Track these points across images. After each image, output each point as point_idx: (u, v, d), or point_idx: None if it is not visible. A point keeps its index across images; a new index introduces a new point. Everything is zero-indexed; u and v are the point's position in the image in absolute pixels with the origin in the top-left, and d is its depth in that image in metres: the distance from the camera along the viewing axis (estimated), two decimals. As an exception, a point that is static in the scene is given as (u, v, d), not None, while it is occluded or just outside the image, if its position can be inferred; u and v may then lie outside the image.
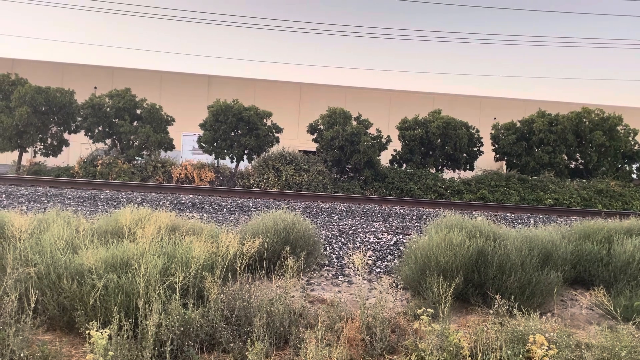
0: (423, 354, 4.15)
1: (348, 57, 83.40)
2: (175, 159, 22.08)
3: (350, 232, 8.74)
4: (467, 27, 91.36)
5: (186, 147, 27.82)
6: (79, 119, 21.99)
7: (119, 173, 19.87)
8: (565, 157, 22.59)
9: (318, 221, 9.84)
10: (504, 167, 23.75)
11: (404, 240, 8.15)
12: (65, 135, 22.50)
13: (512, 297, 5.12)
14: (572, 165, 23.34)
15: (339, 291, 6.20)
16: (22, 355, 3.80)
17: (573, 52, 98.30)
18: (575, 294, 6.35)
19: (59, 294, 4.63)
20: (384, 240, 8.26)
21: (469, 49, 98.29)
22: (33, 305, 4.10)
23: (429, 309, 4.48)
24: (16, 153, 22.04)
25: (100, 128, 21.82)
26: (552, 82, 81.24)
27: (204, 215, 10.04)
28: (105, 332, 3.69)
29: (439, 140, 21.76)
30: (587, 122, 22.32)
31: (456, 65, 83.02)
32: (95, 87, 31.68)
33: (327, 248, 7.67)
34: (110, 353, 3.73)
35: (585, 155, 22.35)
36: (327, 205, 12.78)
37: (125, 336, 4.07)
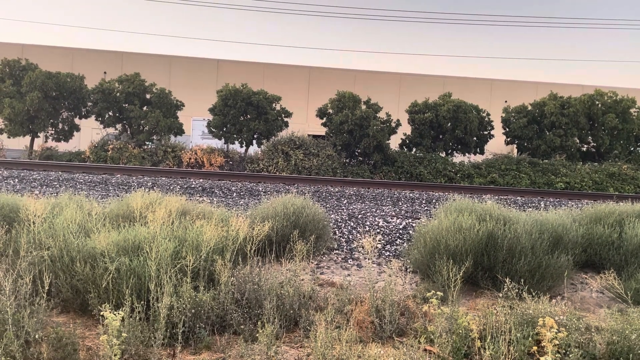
0: (432, 337, 4.17)
1: (357, 40, 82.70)
2: (185, 144, 22.16)
3: (359, 216, 8.75)
4: (478, 9, 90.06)
5: (196, 131, 27.90)
6: (90, 104, 22.10)
7: (129, 158, 19.99)
8: (577, 141, 22.35)
9: (327, 205, 9.86)
10: (515, 150, 23.58)
11: (414, 224, 8.15)
12: (76, 121, 22.62)
13: (522, 280, 5.11)
14: (584, 149, 23.10)
15: (349, 274, 6.23)
16: (36, 336, 3.87)
17: (586, 33, 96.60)
18: (586, 278, 6.33)
19: (72, 277, 4.70)
20: (394, 224, 8.26)
21: (480, 31, 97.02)
22: (47, 288, 4.16)
23: (438, 292, 4.49)
24: (28, 138, 22.22)
25: (110, 113, 21.90)
26: (564, 65, 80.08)
27: (214, 199, 10.09)
28: (119, 314, 3.75)
29: (449, 124, 21.60)
30: (599, 105, 22.03)
31: (467, 47, 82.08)
32: (104, 72, 31.74)
33: (337, 232, 7.69)
34: (124, 334, 3.79)
35: (598, 139, 22.10)
36: (336, 189, 12.79)
37: (137, 318, 4.13)
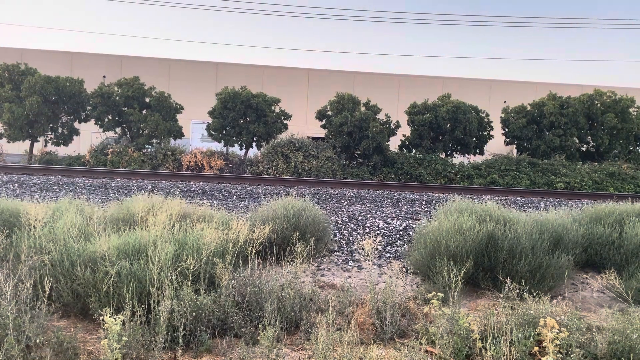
0: (433, 338, 4.17)
1: (356, 42, 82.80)
2: (184, 147, 22.17)
3: (359, 217, 8.75)
4: (476, 9, 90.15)
5: (195, 134, 27.92)
6: (89, 108, 22.10)
7: (129, 161, 19.99)
8: (577, 140, 22.36)
9: (327, 207, 9.86)
10: (514, 151, 23.58)
11: (414, 226, 8.15)
12: (76, 125, 22.63)
13: (523, 280, 5.12)
14: (584, 149, 23.12)
15: (349, 276, 6.23)
16: (37, 341, 3.87)
17: (584, 33, 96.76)
18: (586, 277, 6.33)
19: (73, 281, 4.69)
20: (394, 225, 8.27)
21: (479, 32, 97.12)
22: (48, 293, 4.15)
23: (439, 293, 4.49)
24: (28, 143, 22.22)
25: (109, 117, 21.93)
26: (563, 65, 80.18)
27: (214, 202, 10.09)
28: (119, 318, 3.74)
29: (448, 125, 21.62)
30: (598, 105, 22.05)
31: (466, 48, 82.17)
32: (104, 76, 31.73)
33: (337, 234, 7.70)
34: (124, 338, 3.79)
35: (597, 138, 22.11)
36: (336, 191, 12.79)
37: (138, 322, 4.13)
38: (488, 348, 3.82)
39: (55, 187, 11.34)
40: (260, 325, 4.36)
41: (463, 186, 17.73)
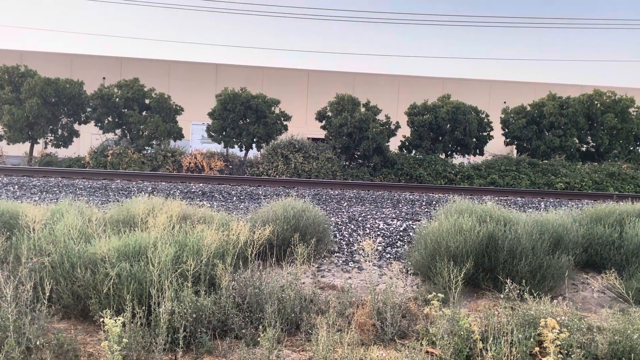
0: (434, 339, 4.17)
1: (356, 42, 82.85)
2: (184, 148, 22.17)
3: (359, 218, 8.75)
4: (476, 9, 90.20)
5: (195, 136, 27.91)
6: (89, 109, 22.09)
7: (129, 163, 19.99)
8: (577, 141, 22.35)
9: (327, 208, 9.86)
10: (514, 151, 23.58)
11: (414, 226, 8.15)
12: (76, 126, 22.62)
13: (523, 281, 5.11)
14: (584, 149, 23.12)
15: (349, 277, 6.23)
16: (38, 343, 3.87)
17: (584, 33, 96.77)
18: (587, 278, 6.33)
19: (73, 283, 4.69)
20: (394, 226, 8.26)
21: (479, 32, 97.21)
22: (48, 294, 4.15)
23: (439, 294, 4.49)
24: (28, 144, 22.22)
25: (109, 118, 21.92)
26: (563, 65, 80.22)
27: (214, 203, 10.08)
28: (119, 319, 3.74)
29: (448, 126, 21.61)
30: (598, 105, 22.05)
31: (465, 49, 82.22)
32: (104, 78, 31.74)
33: (337, 235, 7.69)
34: (125, 340, 3.78)
35: (597, 138, 22.12)
36: (336, 192, 12.79)
37: (138, 323, 4.13)
38: (489, 349, 3.82)
39: (55, 189, 11.34)
40: (260, 327, 4.36)
41: (463, 187, 17.74)
